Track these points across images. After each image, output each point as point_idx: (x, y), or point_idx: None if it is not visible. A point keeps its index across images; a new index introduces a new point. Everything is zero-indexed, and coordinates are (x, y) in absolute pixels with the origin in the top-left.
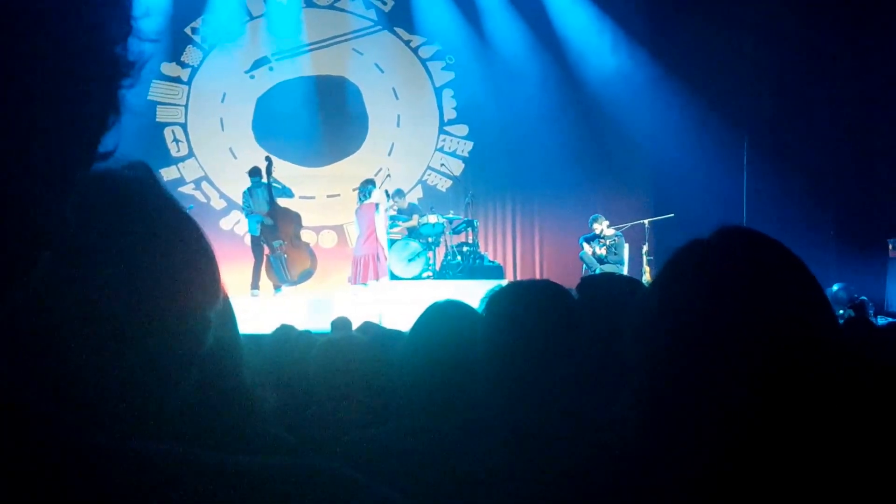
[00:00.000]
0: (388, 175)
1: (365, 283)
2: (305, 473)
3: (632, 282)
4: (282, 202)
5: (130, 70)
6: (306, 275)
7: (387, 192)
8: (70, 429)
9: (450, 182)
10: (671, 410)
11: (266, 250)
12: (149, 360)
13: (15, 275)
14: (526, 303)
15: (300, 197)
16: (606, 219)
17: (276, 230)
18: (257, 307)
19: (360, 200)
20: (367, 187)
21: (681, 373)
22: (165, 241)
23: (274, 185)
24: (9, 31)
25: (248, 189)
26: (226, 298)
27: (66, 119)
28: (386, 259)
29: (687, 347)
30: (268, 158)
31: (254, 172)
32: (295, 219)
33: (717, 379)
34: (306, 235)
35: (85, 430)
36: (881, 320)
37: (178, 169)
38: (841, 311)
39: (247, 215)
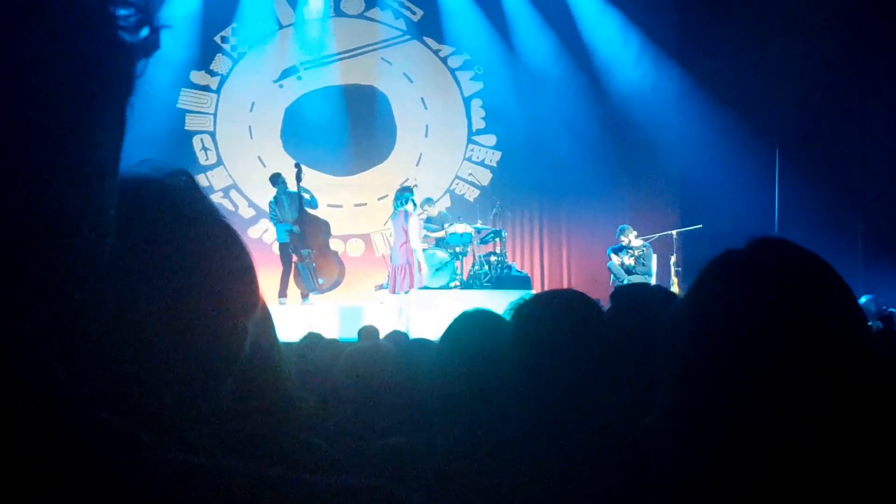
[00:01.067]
0: (416, 185)
1: (405, 293)
2: (368, 494)
3: (665, 292)
4: (309, 210)
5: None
6: (335, 284)
7: (413, 200)
8: (120, 438)
9: (477, 192)
10: (703, 421)
11: (294, 258)
12: (186, 368)
13: (42, 272)
14: (552, 312)
15: (328, 205)
16: (634, 230)
17: (304, 238)
18: (285, 315)
19: (395, 207)
20: (403, 195)
21: (714, 383)
22: (205, 249)
23: (303, 192)
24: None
25: (275, 198)
26: (264, 307)
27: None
28: (419, 269)
29: (720, 358)
30: (297, 165)
31: (274, 180)
32: (324, 227)
33: (750, 390)
34: (334, 244)
35: (132, 439)
36: None
37: (207, 177)
38: (869, 324)
39: (275, 224)
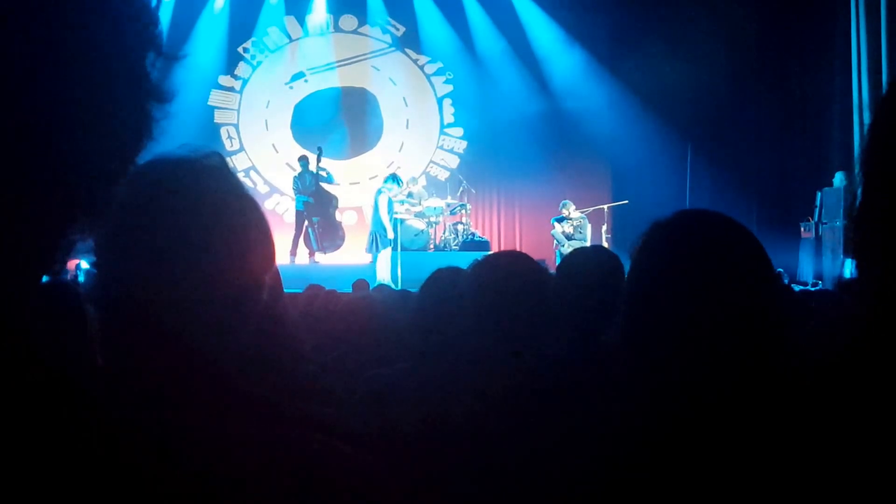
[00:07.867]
0: (399, 167)
1: (376, 252)
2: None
3: (602, 250)
4: (324, 186)
5: (163, 107)
6: (336, 247)
7: (398, 179)
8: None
9: (448, 173)
10: (647, 350)
11: (306, 223)
12: (219, 310)
13: (60, 239)
14: (501, 266)
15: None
16: (573, 203)
17: (315, 208)
18: (292, 271)
19: (384, 183)
20: (387, 179)
21: (656, 320)
22: (233, 217)
23: (321, 171)
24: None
25: (299, 174)
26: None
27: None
28: (387, 233)
29: (659, 302)
30: (319, 148)
31: (302, 160)
32: (333, 201)
33: (681, 327)
34: None
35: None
36: (795, 287)
37: (231, 161)
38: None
39: (296, 194)
